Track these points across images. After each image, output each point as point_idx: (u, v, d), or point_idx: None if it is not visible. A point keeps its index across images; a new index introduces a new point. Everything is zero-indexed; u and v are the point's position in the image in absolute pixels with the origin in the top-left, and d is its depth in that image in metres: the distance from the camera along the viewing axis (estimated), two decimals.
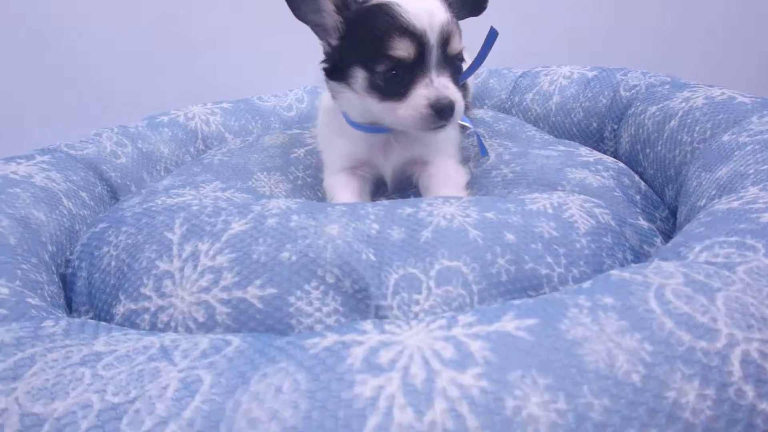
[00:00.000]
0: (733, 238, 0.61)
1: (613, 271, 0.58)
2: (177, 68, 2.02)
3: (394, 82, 0.92)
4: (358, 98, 0.98)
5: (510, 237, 0.75)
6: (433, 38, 0.90)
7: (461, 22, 0.99)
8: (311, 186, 1.21)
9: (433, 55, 0.91)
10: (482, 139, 1.11)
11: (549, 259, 0.73)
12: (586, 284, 0.56)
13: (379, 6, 0.92)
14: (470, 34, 1.06)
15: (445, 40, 0.91)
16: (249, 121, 1.69)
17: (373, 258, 0.71)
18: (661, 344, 0.45)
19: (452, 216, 0.78)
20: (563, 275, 0.73)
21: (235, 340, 0.54)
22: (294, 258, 0.71)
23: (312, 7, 0.96)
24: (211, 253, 0.75)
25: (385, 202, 0.85)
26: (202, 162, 1.27)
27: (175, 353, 0.52)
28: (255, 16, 2.01)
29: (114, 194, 1.30)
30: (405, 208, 0.81)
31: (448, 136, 1.09)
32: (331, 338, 0.50)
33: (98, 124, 1.50)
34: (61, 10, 1.89)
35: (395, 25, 0.89)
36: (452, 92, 0.91)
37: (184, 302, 0.71)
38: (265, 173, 1.20)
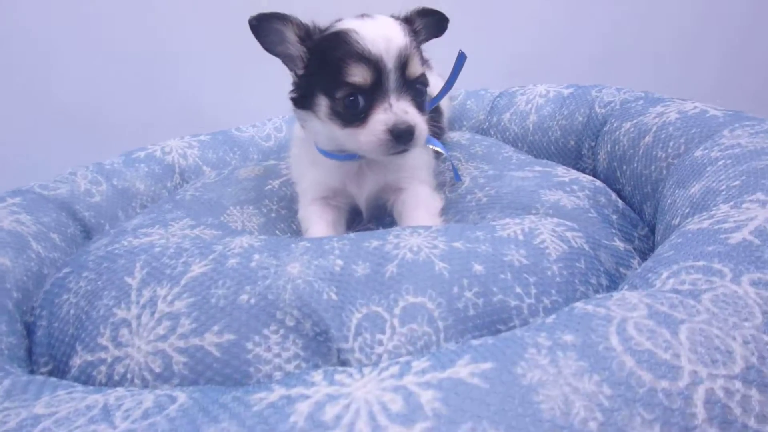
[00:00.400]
0: (700, 263, 0.59)
1: (577, 304, 0.56)
2: (155, 101, 2.01)
3: (353, 108, 0.92)
4: (323, 126, 0.98)
5: (478, 268, 0.72)
6: (390, 63, 0.90)
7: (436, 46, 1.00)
8: (285, 218, 1.19)
9: (392, 79, 0.91)
10: (457, 163, 1.09)
11: (518, 290, 0.71)
12: (549, 319, 0.54)
13: (338, 34, 0.93)
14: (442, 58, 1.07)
15: (403, 65, 0.91)
16: (227, 152, 1.68)
17: (335, 297, 0.68)
18: (621, 386, 0.43)
19: (419, 248, 0.76)
20: (533, 306, 0.70)
21: (182, 396, 0.51)
22: (253, 301, 0.68)
23: (277, 38, 0.97)
24: (169, 298, 0.73)
25: (353, 235, 0.83)
26: (174, 198, 1.24)
27: (116, 414, 0.49)
28: (231, 45, 2.01)
29: (88, 234, 1.27)
30: (371, 241, 0.79)
31: (422, 161, 1.08)
32: (278, 392, 0.47)
33: (77, 160, 1.48)
34: (37, 49, 1.89)
35: (351, 52, 0.90)
36: (412, 116, 0.90)
37: (141, 352, 0.68)
38: (238, 207, 1.18)
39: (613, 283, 0.80)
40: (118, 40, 2.02)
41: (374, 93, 0.91)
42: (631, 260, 0.87)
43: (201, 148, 1.65)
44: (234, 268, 0.74)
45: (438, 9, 1.00)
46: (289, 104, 1.05)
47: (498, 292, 0.70)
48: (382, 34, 0.91)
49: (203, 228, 1.07)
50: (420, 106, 0.95)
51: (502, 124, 1.53)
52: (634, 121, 1.15)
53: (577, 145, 1.35)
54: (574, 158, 1.36)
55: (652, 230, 1.04)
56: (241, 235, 0.96)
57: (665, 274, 0.59)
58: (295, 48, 0.98)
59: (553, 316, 0.55)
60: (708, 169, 0.85)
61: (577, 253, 0.79)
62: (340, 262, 0.75)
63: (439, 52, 1.05)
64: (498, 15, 1.91)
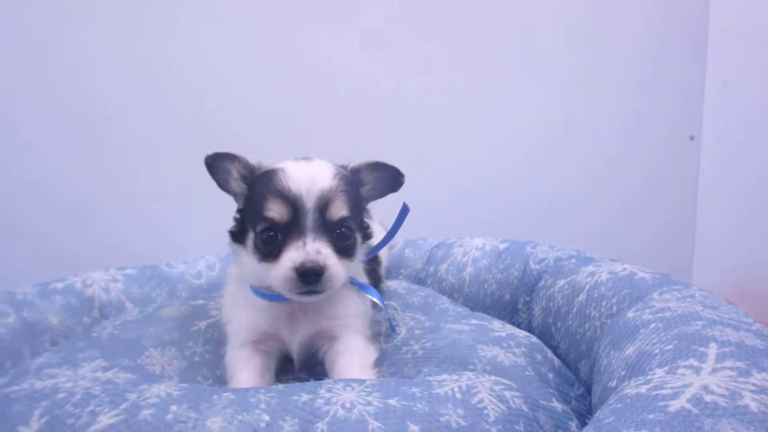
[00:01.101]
0: None
1: None
2: (78, 231, 1.95)
3: (271, 243, 0.94)
4: (250, 260, 1.00)
5: (414, 428, 0.68)
6: (309, 203, 0.93)
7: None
8: (209, 363, 1.11)
9: (310, 219, 0.93)
10: (393, 312, 1.08)
11: None
12: None
13: (269, 172, 0.98)
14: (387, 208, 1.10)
15: (323, 206, 0.94)
16: (153, 288, 1.60)
17: None
18: None
19: (351, 404, 0.71)
20: None
21: None
22: None
23: (226, 176, 1.03)
24: None
25: (281, 387, 0.77)
26: (89, 336, 1.15)
27: None
28: (166, 177, 2.01)
29: None
30: (301, 394, 0.73)
31: (357, 310, 1.06)
32: None
33: None
34: None
35: (273, 189, 0.94)
36: (324, 257, 0.91)
37: None
38: (158, 349, 1.09)
39: None
40: (35, 163, 1.99)
41: (290, 230, 0.93)
42: (569, 422, 0.84)
43: (126, 282, 1.56)
44: (147, 420, 0.66)
45: (391, 164, 1.03)
46: (227, 239, 1.06)
47: None
48: (307, 175, 0.95)
49: (117, 371, 0.97)
50: (343, 251, 0.96)
51: (439, 274, 1.55)
52: (568, 279, 1.19)
53: (512, 299, 1.36)
54: (510, 312, 1.37)
55: (588, 390, 1.03)
56: (159, 381, 0.88)
57: None
58: (238, 185, 1.03)
59: None
60: (641, 331, 0.87)
61: (516, 415, 0.76)
62: (266, 417, 0.68)
63: (385, 201, 1.07)
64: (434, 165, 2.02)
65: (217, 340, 1.16)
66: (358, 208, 1.03)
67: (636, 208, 2.11)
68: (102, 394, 0.74)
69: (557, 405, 0.86)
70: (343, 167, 1.04)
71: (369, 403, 0.71)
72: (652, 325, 0.87)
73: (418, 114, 2.03)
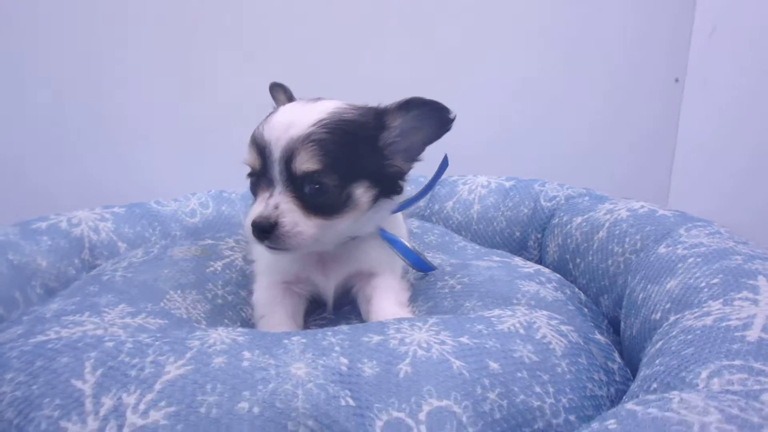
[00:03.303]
0: (737, 362, 0.59)
1: (630, 406, 0.53)
2: (58, 169, 1.82)
3: (253, 189, 0.93)
4: None
5: (494, 365, 0.68)
6: (276, 152, 0.86)
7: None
8: (233, 305, 1.08)
9: (276, 170, 0.86)
10: (421, 256, 1.05)
11: (537, 389, 0.67)
12: (609, 425, 0.50)
13: (271, 112, 0.94)
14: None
15: (288, 157, 0.85)
16: (145, 227, 1.52)
17: (352, 403, 0.60)
18: None
19: (428, 344, 0.70)
20: (554, 406, 0.66)
21: None
22: (256, 410, 0.58)
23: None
24: (141, 407, 0.60)
25: (345, 328, 0.76)
26: (100, 279, 1.08)
27: None
28: (155, 114, 1.90)
29: None
30: (371, 335, 0.72)
31: (388, 256, 1.02)
32: None
33: None
34: None
35: (254, 133, 0.90)
36: (279, 214, 0.85)
37: None
38: (179, 292, 1.04)
39: (610, 379, 0.78)
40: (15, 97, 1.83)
41: (263, 180, 0.89)
42: (614, 354, 0.87)
43: (115, 221, 1.48)
44: (222, 369, 0.63)
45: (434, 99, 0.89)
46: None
47: (519, 392, 0.66)
48: (285, 121, 0.87)
49: (145, 316, 0.93)
50: (317, 208, 0.87)
51: (445, 212, 1.54)
52: (585, 216, 1.20)
53: (522, 236, 1.38)
54: (519, 249, 1.39)
55: (611, 322, 1.06)
56: (191, 327, 0.85)
57: (704, 373, 0.59)
58: None
59: (612, 421, 0.51)
60: (679, 266, 0.89)
61: (577, 348, 0.77)
62: (344, 360, 0.67)
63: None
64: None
65: (236, 282, 1.13)
66: (360, 158, 0.89)
67: (614, 144, 2.14)
68: (156, 342, 0.71)
69: (600, 337, 0.88)
70: (361, 110, 0.92)
71: (444, 342, 0.71)
72: (690, 260, 0.89)
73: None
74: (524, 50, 2.04)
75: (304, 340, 0.69)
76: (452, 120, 0.89)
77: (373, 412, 0.60)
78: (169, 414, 0.59)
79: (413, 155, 0.94)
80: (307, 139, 0.84)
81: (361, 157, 0.89)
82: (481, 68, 2.03)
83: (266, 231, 0.85)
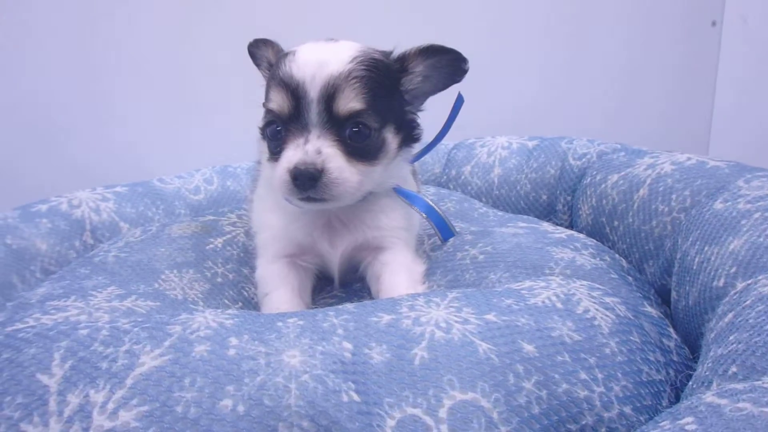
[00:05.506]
0: None
1: (711, 398, 0.42)
2: (56, 149, 1.74)
3: (276, 139, 0.81)
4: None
5: (528, 348, 0.57)
6: (313, 92, 0.77)
7: None
8: (234, 283, 0.98)
9: (313, 112, 0.77)
10: (443, 216, 0.94)
11: (583, 375, 0.56)
12: (686, 424, 0.39)
13: (282, 55, 0.83)
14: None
15: (329, 96, 0.77)
16: (148, 206, 1.43)
17: (356, 398, 0.50)
18: None
19: (447, 323, 0.59)
20: (605, 396, 0.55)
21: None
22: (241, 409, 0.48)
23: (263, 63, 0.93)
24: (110, 406, 0.51)
25: (350, 307, 0.65)
26: (92, 261, 1.00)
27: None
28: (155, 89, 1.80)
29: None
30: (380, 314, 0.61)
31: (403, 221, 0.92)
32: None
33: None
34: None
35: (276, 75, 0.79)
36: (324, 159, 0.76)
37: None
38: (175, 271, 0.95)
39: (667, 359, 0.67)
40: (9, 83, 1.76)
41: (292, 124, 0.79)
42: (668, 329, 0.75)
43: (117, 201, 1.39)
44: (204, 359, 0.54)
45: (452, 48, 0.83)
46: (257, 135, 0.91)
47: (561, 379, 0.55)
48: (316, 59, 0.78)
49: (135, 298, 0.84)
50: (358, 152, 0.80)
51: (463, 177, 1.42)
52: (622, 173, 1.07)
53: (549, 199, 1.25)
54: (547, 213, 1.27)
55: (657, 292, 0.94)
56: (187, 309, 0.75)
57: None
58: (266, 74, 0.89)
59: (689, 419, 0.40)
60: (743, 222, 0.77)
61: (627, 324, 0.66)
62: (348, 345, 0.56)
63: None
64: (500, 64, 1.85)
65: (237, 259, 1.03)
66: (390, 101, 0.85)
67: (648, 94, 1.99)
68: (135, 328, 0.61)
69: (651, 310, 0.77)
70: (383, 52, 0.86)
71: (466, 321, 0.60)
72: (756, 215, 0.77)
73: None
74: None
75: (301, 323, 0.59)
76: (466, 71, 0.84)
77: (383, 408, 0.50)
78: (140, 414, 0.49)
79: (421, 103, 0.90)
80: (349, 76, 0.77)
81: (390, 99, 0.84)
82: (506, 14, 1.89)
83: (314, 178, 0.76)
